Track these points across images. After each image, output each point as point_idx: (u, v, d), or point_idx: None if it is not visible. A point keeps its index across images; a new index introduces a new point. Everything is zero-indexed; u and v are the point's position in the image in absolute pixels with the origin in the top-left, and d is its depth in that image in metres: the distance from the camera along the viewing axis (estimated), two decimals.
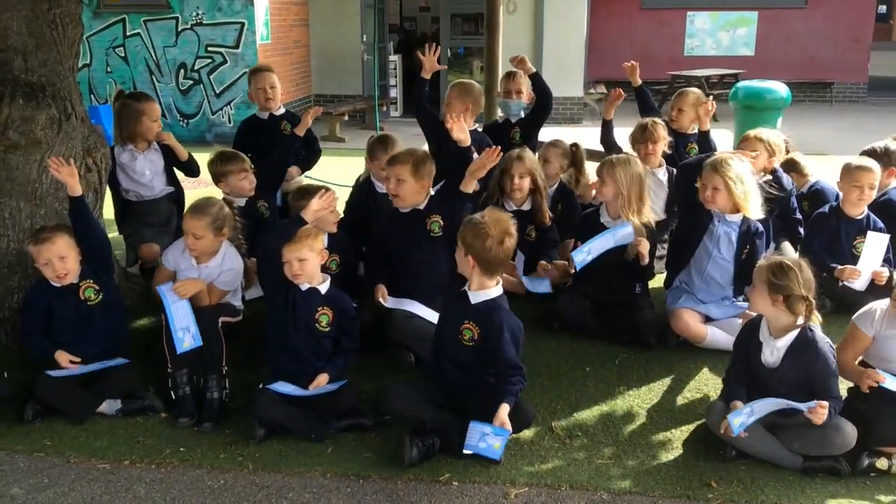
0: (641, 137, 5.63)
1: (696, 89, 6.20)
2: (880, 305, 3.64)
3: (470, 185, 4.15)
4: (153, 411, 4.01)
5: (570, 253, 4.73)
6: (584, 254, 4.58)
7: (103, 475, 3.55)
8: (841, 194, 5.13)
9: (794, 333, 3.49)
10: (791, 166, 5.86)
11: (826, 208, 5.23)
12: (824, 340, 3.50)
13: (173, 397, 4.02)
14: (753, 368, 3.61)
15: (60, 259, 3.97)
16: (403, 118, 13.99)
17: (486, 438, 3.38)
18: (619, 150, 5.85)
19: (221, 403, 4.01)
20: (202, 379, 4.05)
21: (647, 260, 4.58)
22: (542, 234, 5.33)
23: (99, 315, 4.12)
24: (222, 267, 4.46)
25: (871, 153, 5.39)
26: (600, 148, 6.04)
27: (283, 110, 6.20)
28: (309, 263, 3.86)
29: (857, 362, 3.69)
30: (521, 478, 3.49)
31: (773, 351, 3.53)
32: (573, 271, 4.63)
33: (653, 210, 5.36)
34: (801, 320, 3.47)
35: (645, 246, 4.55)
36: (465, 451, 3.40)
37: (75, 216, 4.15)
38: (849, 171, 5.01)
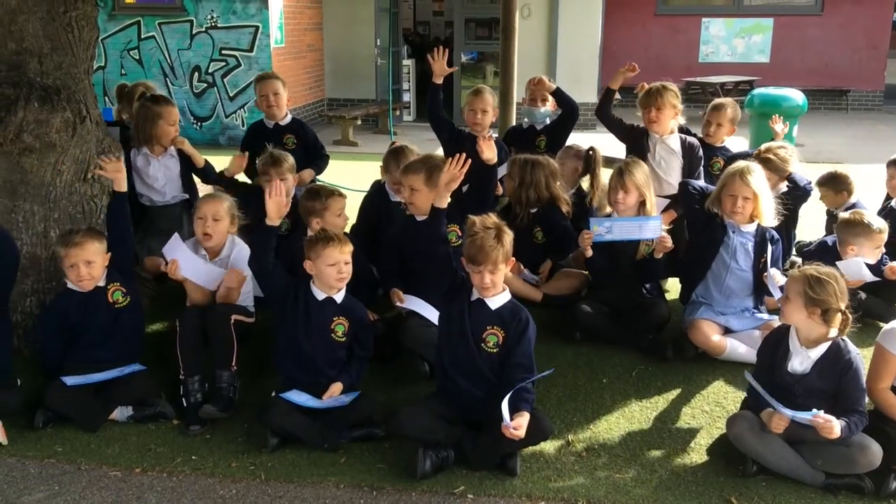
0: (646, 102, 5.38)
1: (728, 101, 5.85)
2: None
3: (443, 201, 4.10)
4: (164, 418, 3.97)
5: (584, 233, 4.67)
6: (604, 229, 4.58)
7: (114, 483, 3.51)
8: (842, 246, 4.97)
9: (826, 344, 3.45)
10: (833, 182, 5.77)
11: (830, 242, 5.13)
12: (856, 352, 3.45)
13: (185, 404, 3.99)
14: (778, 376, 3.54)
15: (87, 264, 3.98)
16: (417, 122, 13.96)
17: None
18: (619, 125, 5.64)
19: (230, 398, 3.99)
20: (212, 377, 4.03)
21: (661, 255, 4.61)
22: (556, 237, 5.27)
23: (126, 318, 4.13)
24: (233, 255, 4.48)
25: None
26: (615, 154, 5.96)
27: (289, 118, 6.03)
28: (350, 266, 3.88)
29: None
30: (538, 492, 3.43)
31: (804, 360, 3.48)
32: (587, 237, 4.61)
33: (668, 182, 5.34)
34: (833, 332, 3.42)
35: (669, 242, 4.56)
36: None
37: (114, 211, 4.26)
38: (870, 234, 4.85)
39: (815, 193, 5.72)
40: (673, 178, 5.34)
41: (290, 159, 5.23)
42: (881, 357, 3.56)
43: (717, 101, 5.86)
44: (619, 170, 4.76)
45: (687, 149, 5.42)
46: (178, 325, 4.13)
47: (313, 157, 6.06)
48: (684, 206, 4.88)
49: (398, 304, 4.44)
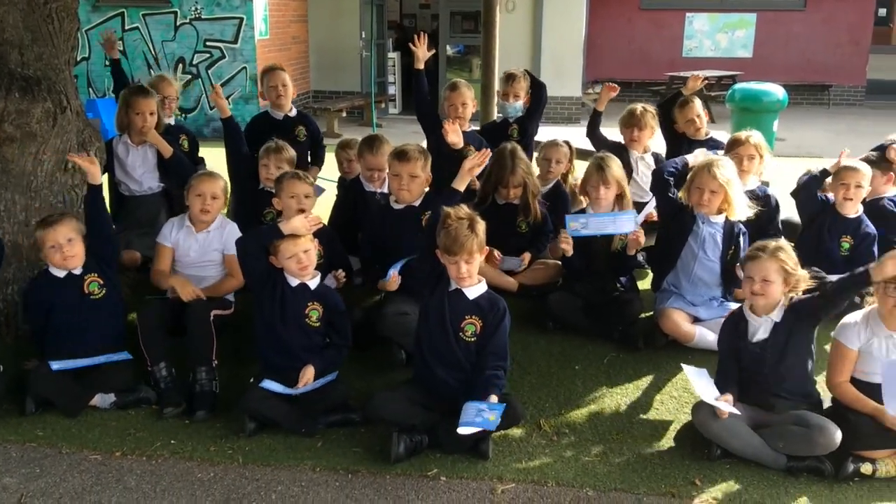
0: (629, 122, 5.92)
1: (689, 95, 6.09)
2: (856, 317, 3.68)
3: (463, 184, 4.19)
4: (147, 403, 4.04)
5: (562, 233, 4.73)
6: (579, 224, 4.66)
7: (94, 466, 3.58)
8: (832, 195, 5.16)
9: (782, 304, 3.68)
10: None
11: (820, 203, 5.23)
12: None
13: (157, 391, 4.07)
14: (745, 354, 3.70)
15: (68, 241, 4.02)
16: (402, 115, 14.01)
17: (482, 413, 3.42)
18: (605, 143, 5.93)
19: (213, 394, 4.05)
20: (191, 372, 4.08)
21: (633, 251, 4.72)
22: (537, 227, 5.36)
23: (101, 310, 4.16)
24: (223, 230, 4.61)
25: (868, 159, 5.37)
26: (592, 147, 6.07)
27: (294, 111, 6.08)
28: (312, 253, 3.93)
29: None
30: (509, 474, 3.52)
31: (767, 326, 3.68)
32: (564, 238, 4.68)
33: (648, 193, 5.57)
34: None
35: (642, 238, 4.67)
36: (462, 430, 3.40)
37: (91, 204, 4.25)
38: (836, 172, 5.06)
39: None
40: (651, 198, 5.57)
41: (291, 151, 5.28)
42: (838, 351, 3.68)
43: (681, 98, 6.06)
44: (598, 165, 4.80)
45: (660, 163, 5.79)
46: (138, 319, 4.21)
47: (316, 149, 6.19)
48: (658, 196, 4.96)
49: (393, 286, 4.42)
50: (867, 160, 5.34)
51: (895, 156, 5.50)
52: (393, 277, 4.37)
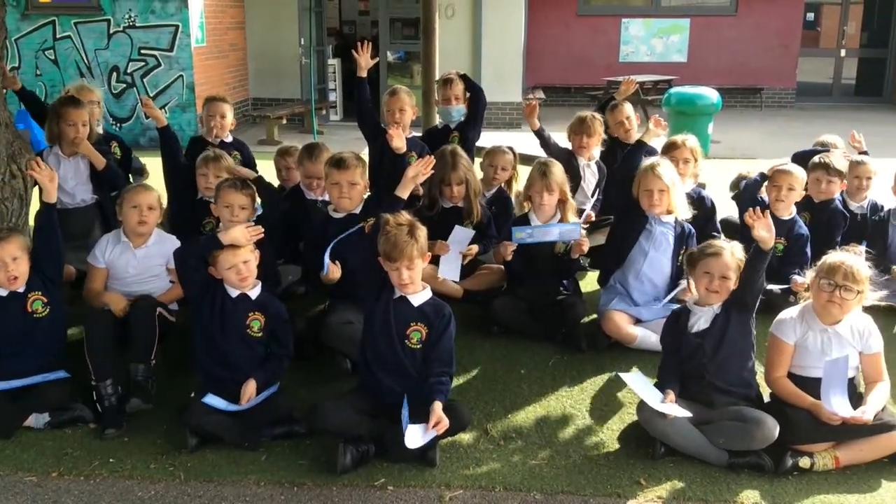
0: (578, 129, 5.95)
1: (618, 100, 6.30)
2: (792, 313, 3.81)
3: (406, 191, 4.18)
4: (83, 422, 3.93)
5: (505, 242, 4.78)
6: (525, 234, 4.71)
7: (30, 488, 3.47)
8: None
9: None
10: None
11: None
12: None
13: (99, 409, 3.95)
14: (686, 349, 3.78)
15: (13, 260, 3.90)
16: (344, 122, 13.93)
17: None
18: (556, 150, 6.00)
19: (149, 388, 3.98)
20: (128, 367, 4.00)
21: (576, 256, 4.80)
22: (481, 229, 5.39)
23: (43, 329, 4.04)
24: (163, 244, 4.53)
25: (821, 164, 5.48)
26: (534, 152, 6.13)
27: (230, 138, 5.96)
28: (252, 263, 3.88)
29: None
30: (456, 481, 3.52)
31: (708, 316, 3.78)
32: (510, 250, 4.70)
33: (589, 199, 5.73)
34: None
35: (586, 246, 4.75)
36: (409, 436, 3.38)
37: (44, 222, 4.14)
38: (771, 175, 5.18)
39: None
40: (593, 198, 5.86)
41: (230, 160, 5.27)
42: (775, 346, 3.79)
43: (612, 102, 6.24)
44: (542, 172, 4.80)
45: (603, 173, 6.06)
46: (85, 330, 4.10)
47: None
48: (617, 194, 5.03)
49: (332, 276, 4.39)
50: (829, 166, 5.40)
51: (849, 155, 5.67)
52: (331, 266, 4.34)
